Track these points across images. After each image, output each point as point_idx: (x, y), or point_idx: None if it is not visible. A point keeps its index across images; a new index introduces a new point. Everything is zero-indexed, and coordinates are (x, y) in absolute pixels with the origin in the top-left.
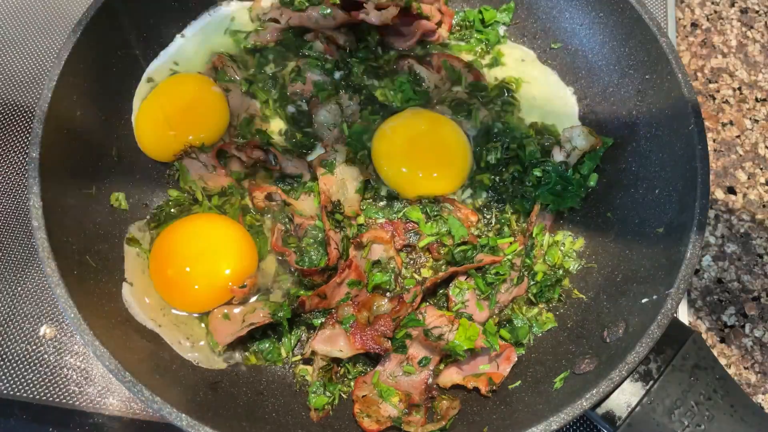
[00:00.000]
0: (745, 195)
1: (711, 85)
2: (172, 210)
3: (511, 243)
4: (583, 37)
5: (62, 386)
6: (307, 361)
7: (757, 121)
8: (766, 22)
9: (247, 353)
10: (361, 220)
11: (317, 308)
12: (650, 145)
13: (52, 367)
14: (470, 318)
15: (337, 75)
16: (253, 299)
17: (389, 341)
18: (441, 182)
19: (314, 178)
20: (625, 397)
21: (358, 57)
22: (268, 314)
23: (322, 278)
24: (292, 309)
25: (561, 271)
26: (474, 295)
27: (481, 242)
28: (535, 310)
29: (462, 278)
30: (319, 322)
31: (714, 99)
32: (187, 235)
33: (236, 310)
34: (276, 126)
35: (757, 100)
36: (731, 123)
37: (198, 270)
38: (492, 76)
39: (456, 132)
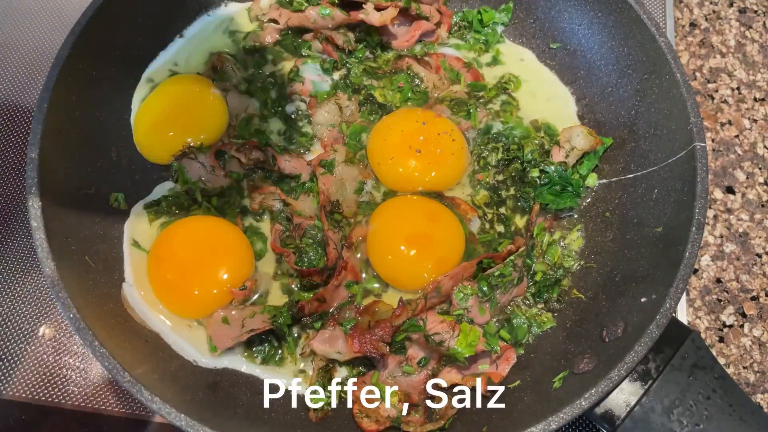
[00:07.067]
0: (743, 194)
1: (710, 85)
2: (172, 207)
3: (511, 243)
4: (582, 37)
5: (62, 386)
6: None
7: (755, 120)
8: (764, 22)
9: (246, 356)
10: (359, 220)
11: (317, 312)
12: (649, 145)
13: (51, 367)
14: (471, 321)
15: (336, 75)
16: (252, 299)
17: (387, 347)
18: (437, 179)
19: (313, 178)
20: (624, 396)
21: (356, 57)
22: (268, 319)
23: (321, 278)
24: (291, 314)
25: (560, 271)
26: (476, 300)
27: (483, 239)
28: (534, 309)
29: (466, 282)
30: (319, 324)
31: (713, 99)
32: (181, 242)
33: (234, 312)
34: (275, 126)
35: (755, 99)
36: (730, 123)
37: (195, 277)
38: (491, 75)
39: (449, 126)
